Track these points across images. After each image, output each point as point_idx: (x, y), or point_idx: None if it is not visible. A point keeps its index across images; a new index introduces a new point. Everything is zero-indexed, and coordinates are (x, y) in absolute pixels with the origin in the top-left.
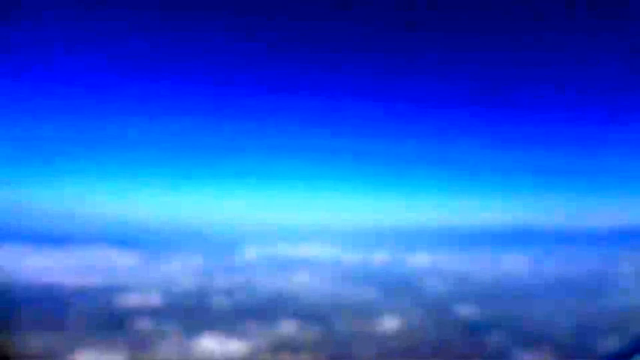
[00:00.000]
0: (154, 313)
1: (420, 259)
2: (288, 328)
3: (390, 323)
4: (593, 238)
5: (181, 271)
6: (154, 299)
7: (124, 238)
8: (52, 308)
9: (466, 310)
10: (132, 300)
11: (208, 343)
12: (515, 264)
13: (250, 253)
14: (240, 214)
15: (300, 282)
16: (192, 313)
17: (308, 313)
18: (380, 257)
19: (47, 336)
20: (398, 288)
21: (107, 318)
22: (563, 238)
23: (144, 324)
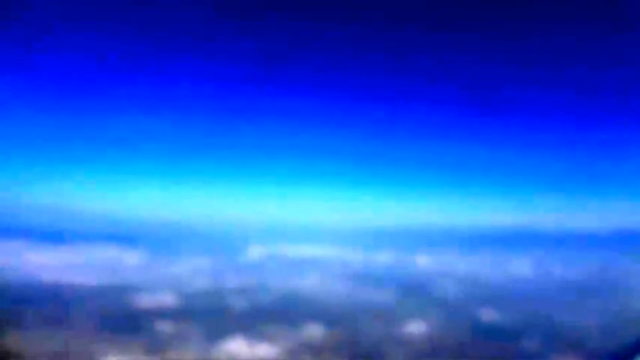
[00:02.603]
0: (171, 314)
1: (427, 260)
2: (305, 330)
3: (407, 326)
4: (596, 240)
5: (191, 271)
6: (168, 300)
7: (130, 238)
8: (63, 308)
9: (479, 312)
10: (145, 300)
11: (231, 345)
12: (522, 266)
13: (256, 253)
14: (246, 214)
15: (310, 284)
16: (210, 315)
17: (320, 315)
18: (387, 258)
19: (60, 336)
20: (409, 289)
21: (123, 319)
22: (567, 239)
23: (162, 326)
